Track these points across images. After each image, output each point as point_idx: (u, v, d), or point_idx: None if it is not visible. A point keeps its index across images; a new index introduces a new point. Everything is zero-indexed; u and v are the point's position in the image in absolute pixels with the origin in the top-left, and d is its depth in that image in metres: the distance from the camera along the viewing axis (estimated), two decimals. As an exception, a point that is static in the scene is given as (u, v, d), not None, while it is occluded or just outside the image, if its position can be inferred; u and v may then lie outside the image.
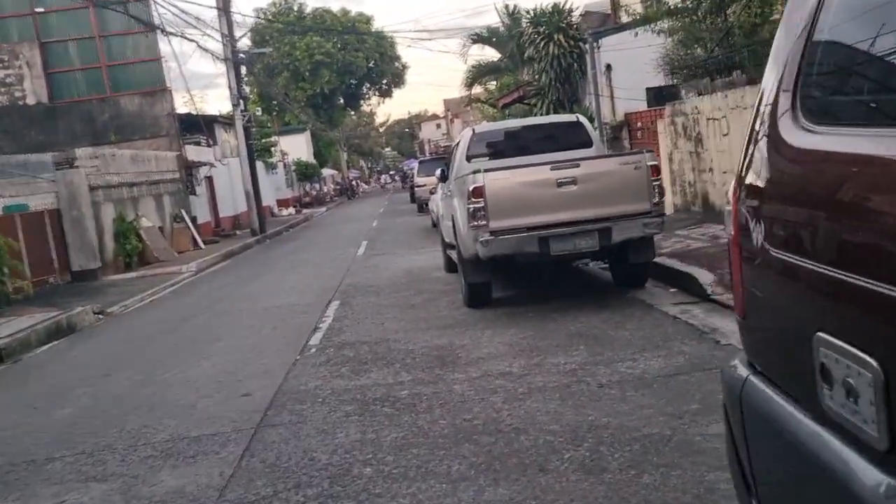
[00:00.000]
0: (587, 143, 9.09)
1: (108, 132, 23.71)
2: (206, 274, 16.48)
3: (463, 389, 5.35)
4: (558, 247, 7.35)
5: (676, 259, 8.63)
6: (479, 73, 23.26)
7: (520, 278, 9.39)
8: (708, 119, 11.17)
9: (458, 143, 9.72)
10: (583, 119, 9.39)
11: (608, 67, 17.52)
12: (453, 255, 9.48)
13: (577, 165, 7.38)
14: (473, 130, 9.40)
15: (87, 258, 16.67)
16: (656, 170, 7.43)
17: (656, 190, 7.40)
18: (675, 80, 12.72)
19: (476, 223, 7.34)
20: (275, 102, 51.55)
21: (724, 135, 10.74)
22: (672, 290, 8.06)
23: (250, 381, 6.38)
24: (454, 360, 6.21)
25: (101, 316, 11.74)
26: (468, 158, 9.16)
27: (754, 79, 10.73)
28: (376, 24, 58.70)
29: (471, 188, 7.33)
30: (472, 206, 7.33)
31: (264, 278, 13.94)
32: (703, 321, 6.51)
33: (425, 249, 14.96)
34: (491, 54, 24.09)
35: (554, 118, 11.18)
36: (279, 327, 8.72)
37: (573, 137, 9.17)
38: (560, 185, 7.31)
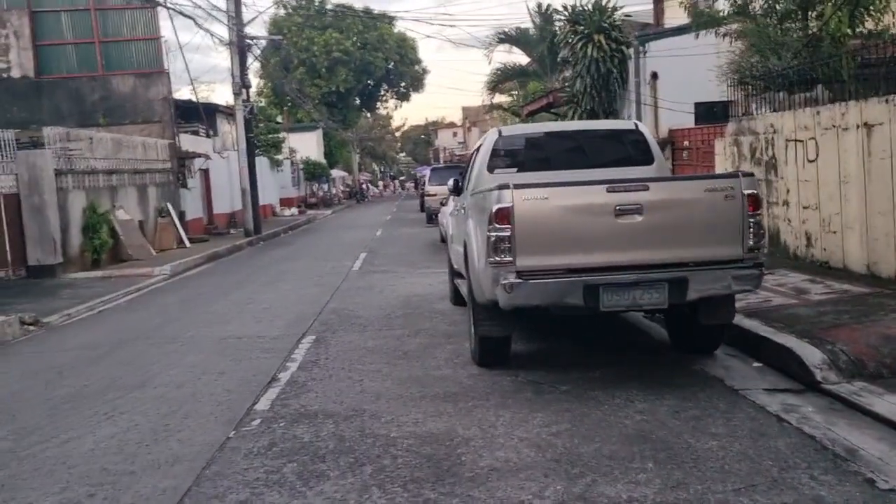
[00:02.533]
0: (647, 159, 6.98)
1: (97, 113, 21.79)
2: (179, 279, 14.42)
3: (465, 545, 3.25)
4: (612, 300, 5.24)
5: (757, 320, 6.50)
6: (503, 77, 21.16)
7: (545, 321, 7.29)
8: (788, 140, 9.04)
9: (478, 148, 7.62)
10: (643, 127, 7.27)
11: (654, 76, 15.44)
12: (462, 285, 7.43)
13: (646, 188, 5.27)
14: (500, 132, 7.28)
15: (46, 252, 14.63)
16: (755, 201, 5.31)
17: (753, 229, 5.28)
18: (743, 92, 10.59)
19: (497, 259, 5.25)
20: (288, 98, 49.68)
21: (811, 161, 8.61)
22: (755, 363, 5.94)
23: (142, 479, 4.26)
24: (454, 469, 4.09)
25: (32, 327, 9.68)
26: (490, 169, 7.07)
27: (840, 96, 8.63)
28: (396, 9, 56.76)
29: (494, 209, 5.24)
30: (493, 234, 5.23)
31: (239, 292, 11.86)
32: (827, 432, 4.38)
33: (430, 269, 12.88)
34: (518, 59, 22.11)
35: (607, 124, 8.99)
36: (227, 373, 6.62)
37: (629, 151, 7.07)
38: (619, 213, 5.20)
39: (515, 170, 6.95)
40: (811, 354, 5.38)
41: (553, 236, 5.23)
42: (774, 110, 9.83)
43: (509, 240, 5.20)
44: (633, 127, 7.30)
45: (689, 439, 4.36)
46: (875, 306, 6.55)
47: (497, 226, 5.23)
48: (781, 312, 6.69)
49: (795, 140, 8.85)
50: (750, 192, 5.29)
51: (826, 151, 8.27)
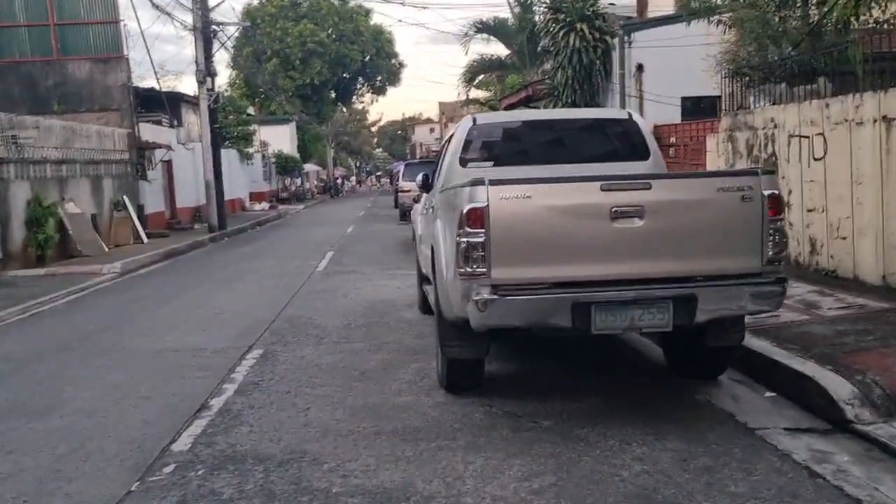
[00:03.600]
0: (642, 154, 6.10)
1: (52, 100, 20.53)
2: (130, 278, 13.33)
3: None
4: (606, 321, 4.35)
5: (766, 339, 5.66)
6: (480, 69, 20.23)
7: (523, 339, 6.39)
8: (791, 136, 8.23)
9: (450, 138, 6.69)
10: (637, 117, 6.38)
11: (639, 68, 14.63)
12: (431, 293, 6.56)
13: (648, 187, 4.39)
14: (474, 120, 6.33)
15: (-17, 247, 13.49)
16: (776, 203, 4.44)
17: (775, 237, 4.42)
18: (739, 84, 9.78)
19: (469, 269, 4.33)
20: (261, 90, 48.36)
21: (817, 159, 7.80)
22: (767, 393, 5.09)
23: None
24: (408, 545, 3.18)
25: (-52, 334, 8.61)
26: (463, 162, 6.15)
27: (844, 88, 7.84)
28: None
29: (465, 209, 4.32)
30: (464, 239, 4.32)
31: (189, 294, 10.85)
32: (874, 493, 3.52)
33: (400, 271, 11.96)
34: (496, 50, 21.13)
35: (596, 112, 8.04)
36: (152, 397, 5.65)
37: (621, 143, 6.19)
38: (616, 216, 4.31)
39: (491, 163, 6.04)
40: (839, 387, 4.53)
41: (536, 243, 4.32)
42: (774, 103, 9.02)
43: (483, 247, 4.29)
44: (626, 116, 6.39)
45: (701, 501, 3.48)
46: (900, 325, 5.75)
47: (469, 229, 4.31)
48: (793, 331, 5.85)
49: (800, 136, 8.04)
50: (771, 192, 4.42)
51: (836, 148, 7.47)
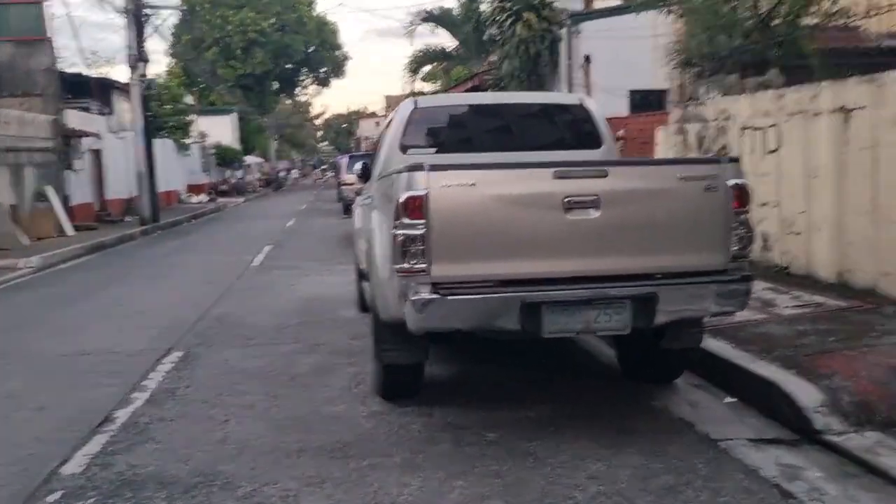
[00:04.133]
0: (594, 142, 5.70)
1: (-31, 84, 19.26)
2: (48, 274, 12.44)
3: None
4: (557, 323, 3.92)
5: (724, 340, 5.32)
6: (426, 59, 19.70)
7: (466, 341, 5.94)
8: (744, 128, 7.96)
9: (389, 123, 6.19)
10: (590, 102, 5.97)
11: (587, 59, 14.33)
12: (368, 291, 6.08)
13: (604, 174, 3.97)
14: (416, 103, 5.83)
15: None
16: (742, 193, 4.08)
17: (741, 231, 4.06)
18: (689, 75, 9.52)
19: (406, 265, 3.85)
20: (200, 80, 46.84)
21: (771, 151, 7.55)
22: (727, 398, 4.74)
23: None
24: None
25: None
26: (403, 148, 5.65)
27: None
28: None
29: (402, 198, 3.83)
30: (401, 231, 3.83)
31: (110, 291, 10.09)
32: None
33: (340, 266, 11.39)
34: (442, 41, 20.62)
35: (546, 97, 7.57)
36: (49, 408, 5.01)
37: (572, 130, 5.78)
38: (570, 207, 3.88)
39: (434, 150, 5.56)
40: (805, 393, 4.20)
41: (481, 237, 3.86)
42: (725, 94, 8.78)
43: (422, 240, 3.80)
44: (578, 102, 5.98)
45: (669, 529, 3.08)
46: (862, 325, 5.47)
47: (406, 220, 3.82)
48: (751, 331, 5.53)
49: (753, 128, 7.78)
50: (736, 182, 4.06)
51: (791, 140, 7.21)
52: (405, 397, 4.77)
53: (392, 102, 73.97)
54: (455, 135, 5.72)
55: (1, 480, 3.80)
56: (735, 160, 4.27)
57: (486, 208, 3.87)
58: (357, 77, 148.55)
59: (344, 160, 26.87)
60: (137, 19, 20.93)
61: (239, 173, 47.13)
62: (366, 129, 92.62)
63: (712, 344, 5.23)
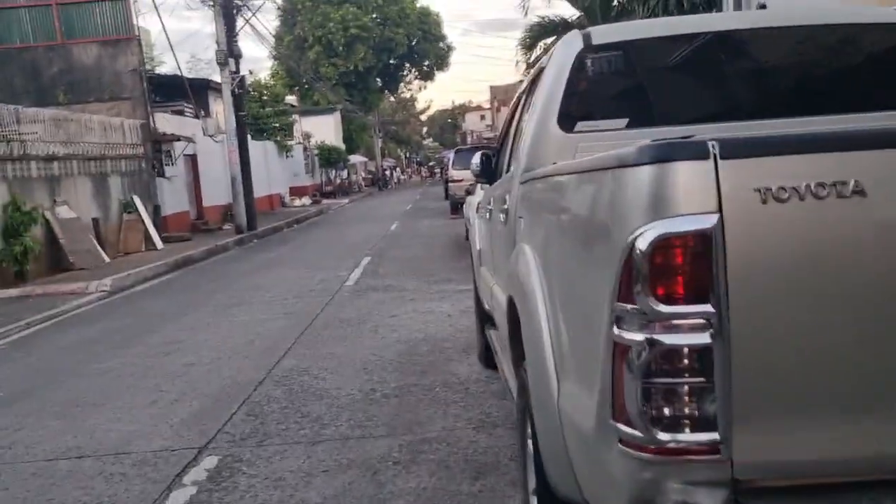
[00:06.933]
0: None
1: (57, 89, 18.23)
2: (115, 301, 10.71)
3: None
4: None
5: None
6: (542, 33, 17.00)
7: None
8: None
9: (532, 84, 3.59)
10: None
11: (762, 7, 11.34)
12: (497, 342, 3.86)
13: None
14: (587, 38, 3.14)
15: (-58, 265, 11.06)
16: None
17: None
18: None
19: (658, 423, 1.33)
20: (304, 80, 45.91)
21: None
22: None
23: None
24: None
25: None
26: (565, 121, 3.03)
27: None
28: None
29: (645, 244, 1.31)
30: (640, 337, 1.31)
31: (166, 329, 8.07)
32: None
33: (452, 285, 9.13)
34: (560, 11, 17.91)
35: (845, 14, 4.36)
36: None
37: None
38: None
39: (625, 122, 2.98)
40: None
41: (834, 344, 1.32)
42: None
43: (708, 360, 1.29)
44: None
45: None
46: None
47: (662, 308, 1.32)
48: None
49: None
50: None
51: None
52: None
53: (498, 93, 71.31)
54: (671, 92, 3.10)
55: None
56: None
57: (879, 258, 1.31)
58: (462, 67, 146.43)
59: (451, 155, 24.71)
60: (227, 11, 19.36)
61: (343, 173, 45.94)
62: (471, 122, 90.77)
63: None
